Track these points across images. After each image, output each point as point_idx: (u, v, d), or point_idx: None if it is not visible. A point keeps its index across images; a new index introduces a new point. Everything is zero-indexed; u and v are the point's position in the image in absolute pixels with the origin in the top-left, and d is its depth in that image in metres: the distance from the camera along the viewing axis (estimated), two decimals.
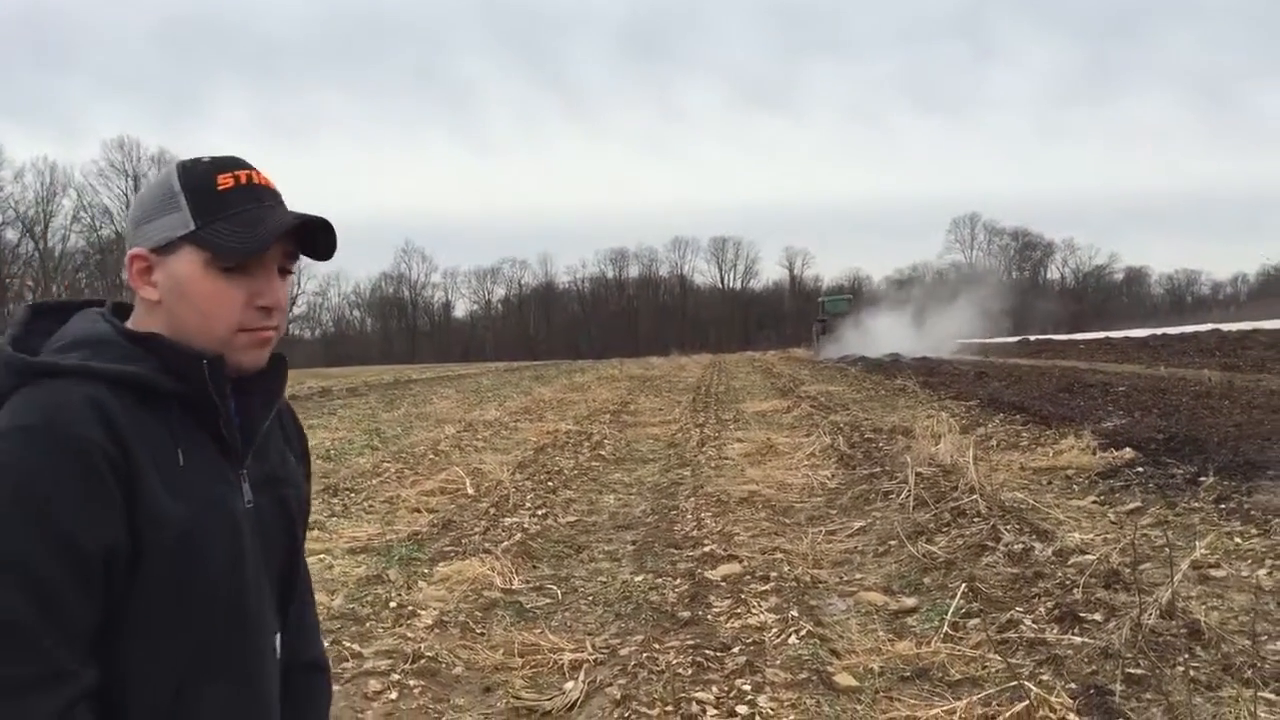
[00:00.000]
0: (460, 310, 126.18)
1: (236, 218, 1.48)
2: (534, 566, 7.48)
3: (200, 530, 1.44)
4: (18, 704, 1.29)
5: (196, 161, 1.53)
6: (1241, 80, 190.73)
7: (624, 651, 5.42)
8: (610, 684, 4.96)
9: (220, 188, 1.49)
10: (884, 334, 50.48)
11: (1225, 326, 48.47)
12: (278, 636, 1.62)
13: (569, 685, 5.02)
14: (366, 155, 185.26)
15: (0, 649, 1.29)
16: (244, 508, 1.53)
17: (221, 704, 1.49)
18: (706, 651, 5.29)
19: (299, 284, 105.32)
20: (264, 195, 1.52)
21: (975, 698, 4.40)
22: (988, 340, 52.13)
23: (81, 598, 1.35)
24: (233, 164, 1.53)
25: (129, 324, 1.54)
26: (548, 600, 6.64)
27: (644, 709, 4.57)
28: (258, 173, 1.54)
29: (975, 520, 7.77)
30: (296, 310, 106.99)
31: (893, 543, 7.68)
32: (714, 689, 4.80)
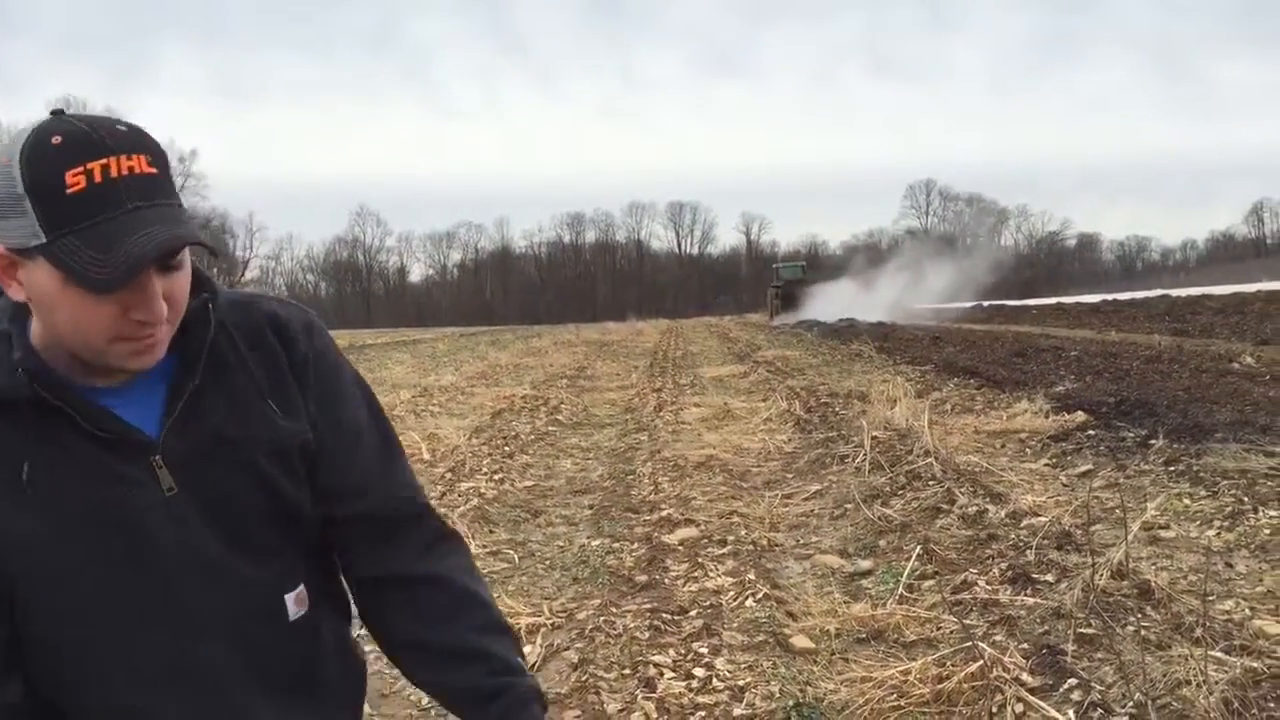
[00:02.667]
0: (415, 274, 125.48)
1: (91, 231, 1.22)
2: (490, 531, 7.44)
3: (73, 542, 1.30)
4: None
5: (44, 149, 1.23)
6: (1193, 50, 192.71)
7: (581, 615, 5.41)
8: (567, 648, 4.96)
9: (69, 189, 1.22)
10: (839, 299, 50.76)
11: (1175, 292, 49.19)
12: (292, 595, 1.47)
13: (526, 649, 5.00)
14: (320, 117, 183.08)
15: None
16: (160, 499, 1.35)
17: (166, 711, 1.39)
18: (664, 615, 5.30)
19: (251, 247, 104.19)
20: (124, 194, 1.24)
21: (930, 658, 4.43)
22: (943, 305, 52.51)
23: None
24: (86, 151, 1.23)
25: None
26: (505, 565, 6.61)
27: (601, 672, 4.57)
28: (118, 159, 1.23)
29: (930, 483, 7.83)
30: (250, 274, 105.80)
31: (849, 506, 7.72)
32: (671, 652, 4.80)
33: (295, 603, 1.48)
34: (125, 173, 1.24)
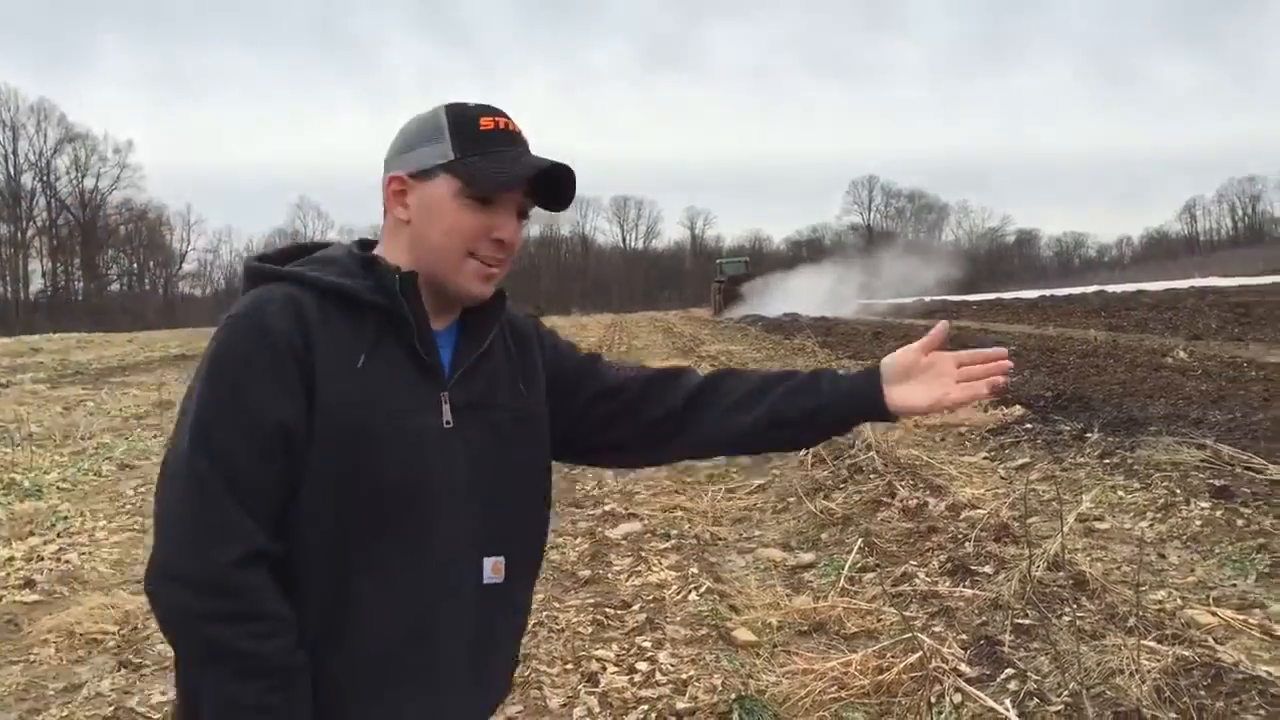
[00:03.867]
0: None
1: (493, 156, 1.63)
2: None
3: (369, 432, 1.56)
4: (203, 547, 1.48)
5: (464, 105, 1.68)
6: (1129, 51, 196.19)
7: None
8: None
9: (482, 128, 1.65)
10: (782, 294, 51.07)
11: (1111, 288, 50.12)
12: (490, 561, 1.68)
13: None
14: (259, 108, 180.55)
15: (192, 503, 1.50)
16: (440, 426, 1.63)
17: (373, 607, 1.58)
18: (607, 609, 5.30)
19: (188, 240, 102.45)
20: (518, 141, 1.67)
21: (870, 650, 4.47)
22: (884, 301, 53.03)
23: (259, 465, 1.52)
24: (495, 111, 1.68)
25: (377, 250, 1.70)
26: None
27: (544, 667, 4.56)
28: (512, 121, 1.69)
29: (872, 477, 7.90)
30: (186, 267, 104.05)
31: (791, 500, 7.77)
32: (614, 646, 4.81)
33: (492, 569, 1.69)
34: (515, 130, 1.69)
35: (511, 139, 1.67)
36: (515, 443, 1.72)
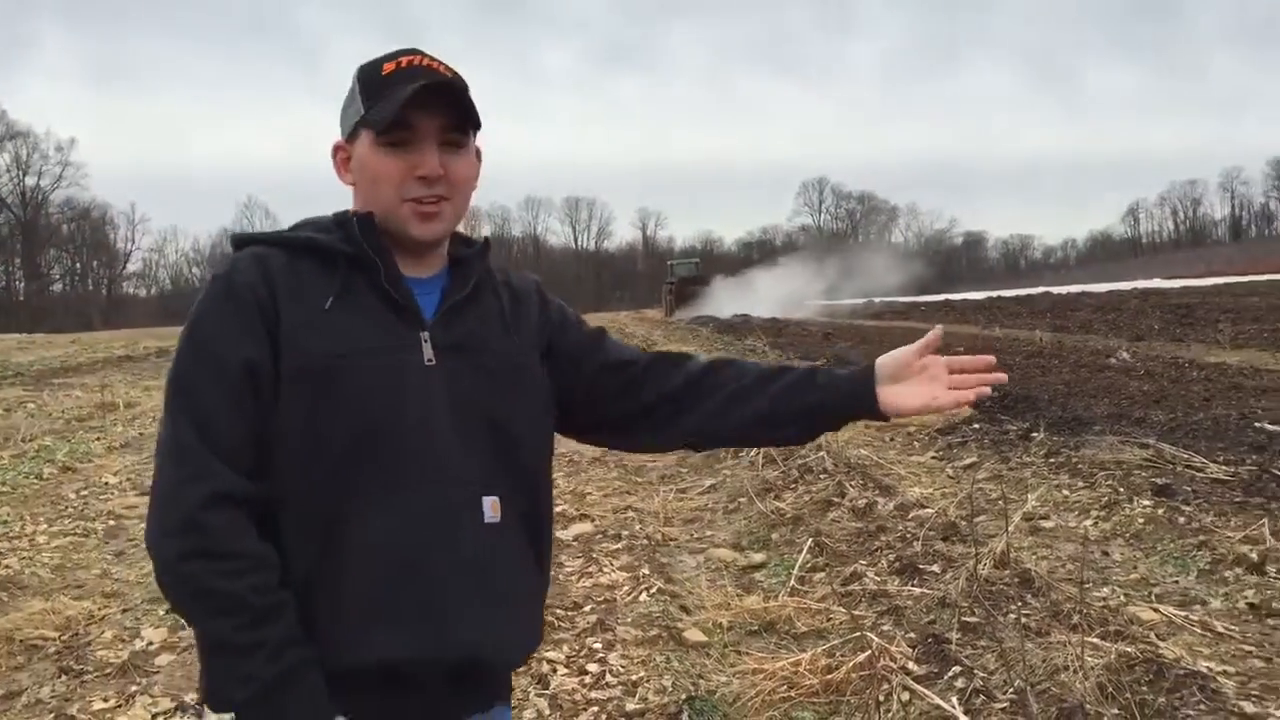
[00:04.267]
0: None
1: (390, 93, 1.65)
2: None
3: (337, 369, 1.61)
4: (177, 492, 1.56)
5: (374, 58, 1.73)
6: (1075, 56, 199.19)
7: None
8: None
9: (384, 73, 1.68)
10: (733, 295, 51.25)
11: (1056, 289, 50.85)
12: (489, 500, 1.69)
13: None
14: (205, 105, 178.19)
15: (171, 456, 1.58)
16: (421, 364, 1.66)
17: (361, 539, 1.60)
18: (558, 611, 5.28)
19: (132, 240, 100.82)
20: (423, 74, 1.66)
21: (820, 649, 4.49)
22: (836, 302, 53.41)
23: (229, 409, 1.58)
24: (401, 53, 1.71)
25: None
26: None
27: None
28: (423, 57, 1.70)
29: (822, 477, 7.95)
30: (131, 268, 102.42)
31: (742, 500, 7.80)
32: (565, 648, 4.79)
33: (491, 507, 1.70)
34: (422, 64, 1.68)
35: (414, 74, 1.67)
36: (507, 388, 1.74)
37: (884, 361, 1.88)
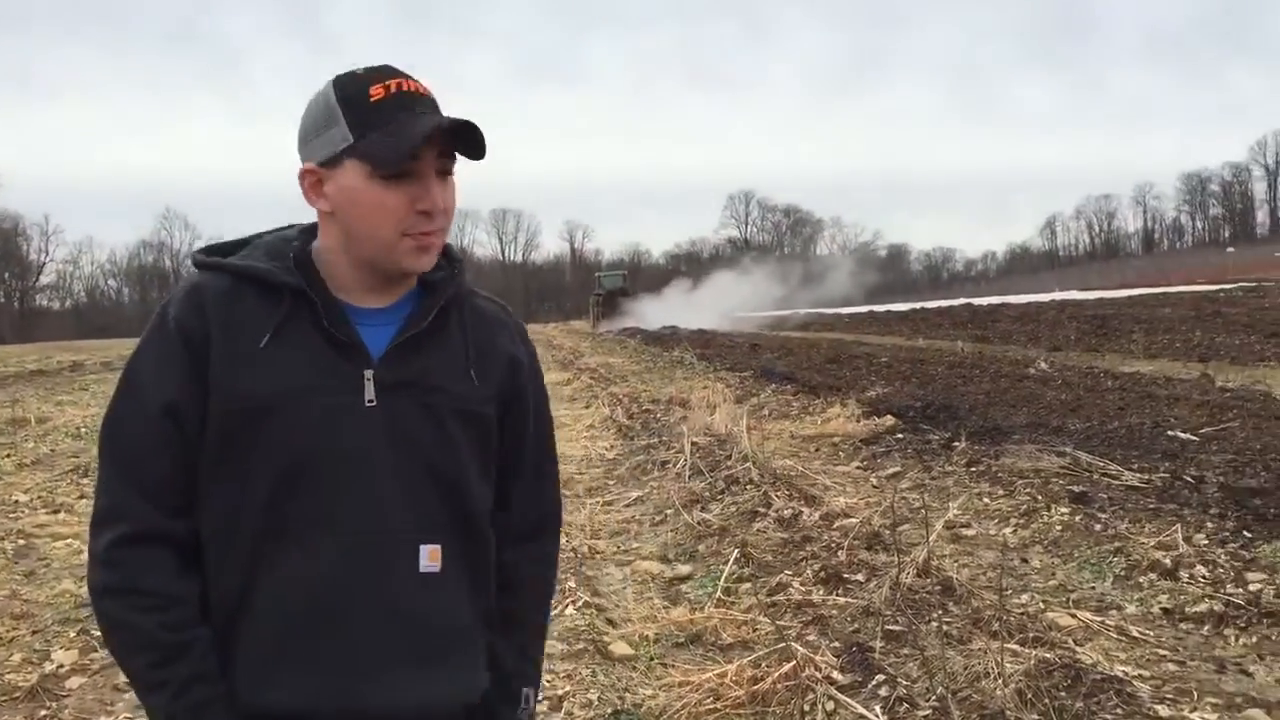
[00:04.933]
0: None
1: (389, 127, 1.54)
2: None
3: (271, 409, 1.55)
4: (99, 528, 1.57)
5: (352, 75, 1.60)
6: (992, 72, 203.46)
7: None
8: None
9: (373, 99, 1.56)
10: (661, 307, 51.44)
11: (977, 301, 51.70)
12: (426, 548, 1.61)
13: None
14: (121, 115, 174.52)
15: (99, 492, 1.59)
16: (360, 405, 1.59)
17: (281, 583, 1.56)
18: None
19: (46, 251, 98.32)
20: (414, 103, 1.58)
21: (746, 660, 4.49)
22: (762, 314, 53.80)
23: (152, 448, 1.56)
24: (384, 74, 1.59)
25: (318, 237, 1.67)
26: None
27: None
28: (408, 80, 1.60)
29: (748, 488, 7.97)
30: (44, 279, 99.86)
31: (669, 512, 7.79)
32: None
33: (429, 556, 1.62)
34: (413, 89, 1.59)
35: (407, 101, 1.58)
36: (455, 432, 1.65)
37: None
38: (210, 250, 1.70)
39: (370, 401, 1.59)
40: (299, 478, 1.56)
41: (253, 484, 1.56)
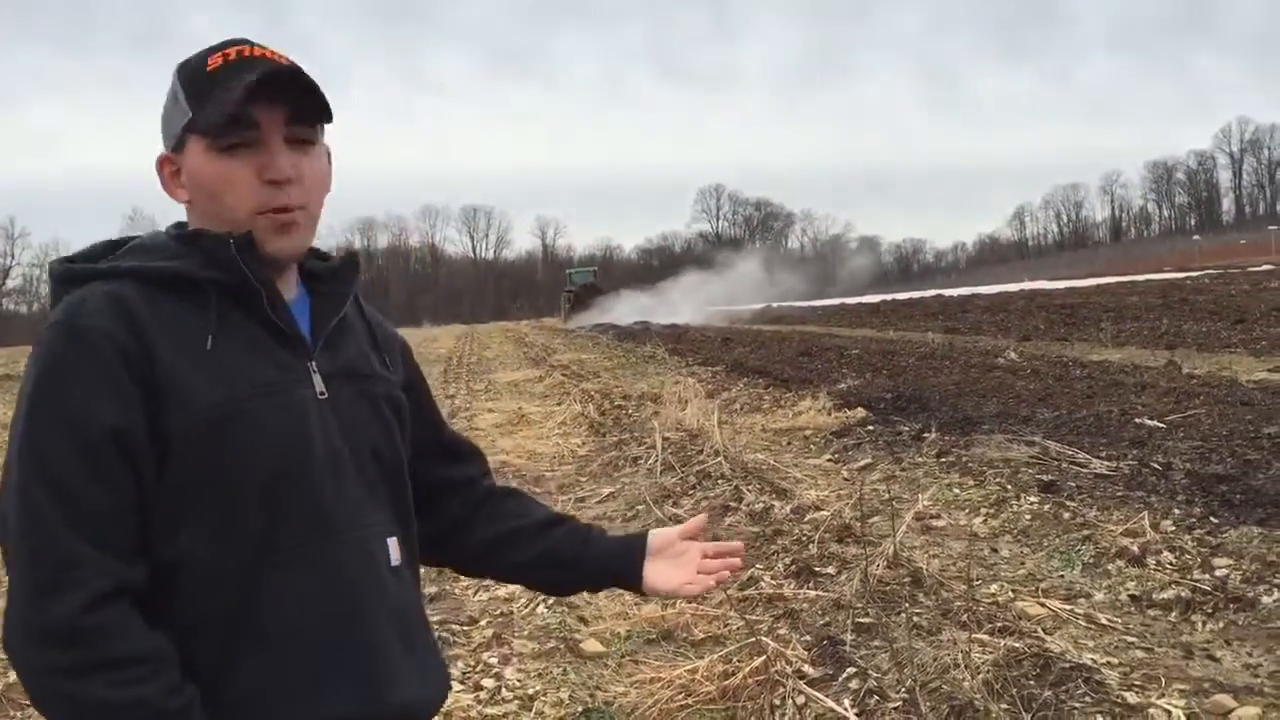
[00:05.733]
0: None
1: (222, 94, 1.43)
2: None
3: (243, 413, 1.42)
4: (47, 592, 1.31)
5: (198, 52, 1.51)
6: (959, 63, 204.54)
7: None
8: None
9: (209, 70, 1.47)
10: (633, 302, 51.48)
11: (948, 292, 52.05)
12: (393, 540, 1.57)
13: None
14: (86, 116, 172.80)
15: (32, 546, 1.33)
16: (314, 397, 1.50)
17: (289, 597, 1.44)
18: (453, 626, 5.20)
19: (12, 255, 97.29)
20: (254, 66, 1.45)
21: (716, 655, 4.49)
22: (733, 308, 53.92)
23: (100, 485, 1.35)
24: (225, 44, 1.49)
25: None
26: None
27: None
28: (252, 46, 1.49)
29: (720, 482, 7.98)
30: (11, 283, 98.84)
31: (641, 507, 7.79)
32: (460, 664, 4.71)
33: (395, 549, 1.57)
34: (257, 55, 1.47)
35: (244, 67, 1.45)
36: (390, 420, 1.61)
37: (653, 536, 1.87)
38: (74, 259, 1.51)
39: (322, 393, 1.51)
40: (282, 484, 1.44)
41: (236, 500, 1.41)
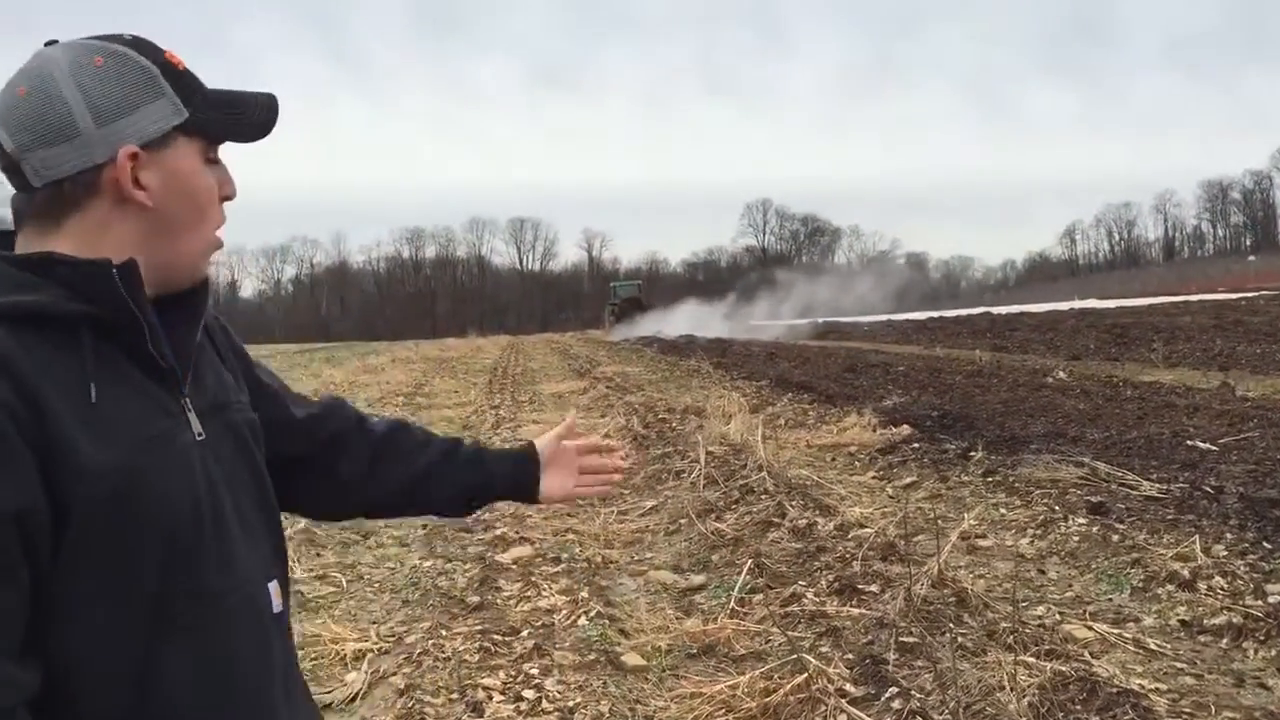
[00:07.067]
0: (248, 290, 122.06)
1: (215, 96, 1.37)
2: (317, 554, 7.21)
3: (140, 475, 1.24)
4: None
5: (138, 41, 1.34)
6: (1008, 80, 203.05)
7: (410, 639, 5.28)
8: (394, 673, 4.82)
9: (178, 67, 1.35)
10: (678, 316, 51.54)
11: (996, 310, 51.56)
12: (273, 585, 1.44)
13: (351, 676, 4.85)
14: None
15: None
16: (194, 441, 1.33)
17: (191, 668, 1.29)
18: (495, 636, 5.21)
19: None
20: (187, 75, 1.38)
21: (758, 672, 4.47)
22: (778, 322, 53.75)
23: (6, 583, 1.14)
24: (141, 39, 1.37)
25: (19, 249, 1.30)
26: (331, 589, 6.41)
27: (428, 697, 4.45)
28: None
29: (763, 497, 7.94)
30: None
31: (683, 521, 7.77)
32: (501, 674, 4.72)
33: (275, 594, 1.45)
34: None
35: (191, 76, 1.38)
36: (255, 449, 1.48)
37: (542, 449, 1.91)
38: None
39: (200, 435, 1.35)
40: (177, 544, 1.27)
41: (130, 579, 1.24)
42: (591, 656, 4.92)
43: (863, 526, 6.81)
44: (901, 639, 4.66)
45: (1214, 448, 8.86)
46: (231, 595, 1.35)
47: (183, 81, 1.34)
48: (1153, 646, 4.69)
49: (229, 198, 1.40)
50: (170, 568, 1.27)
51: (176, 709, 1.28)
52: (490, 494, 1.90)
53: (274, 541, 1.49)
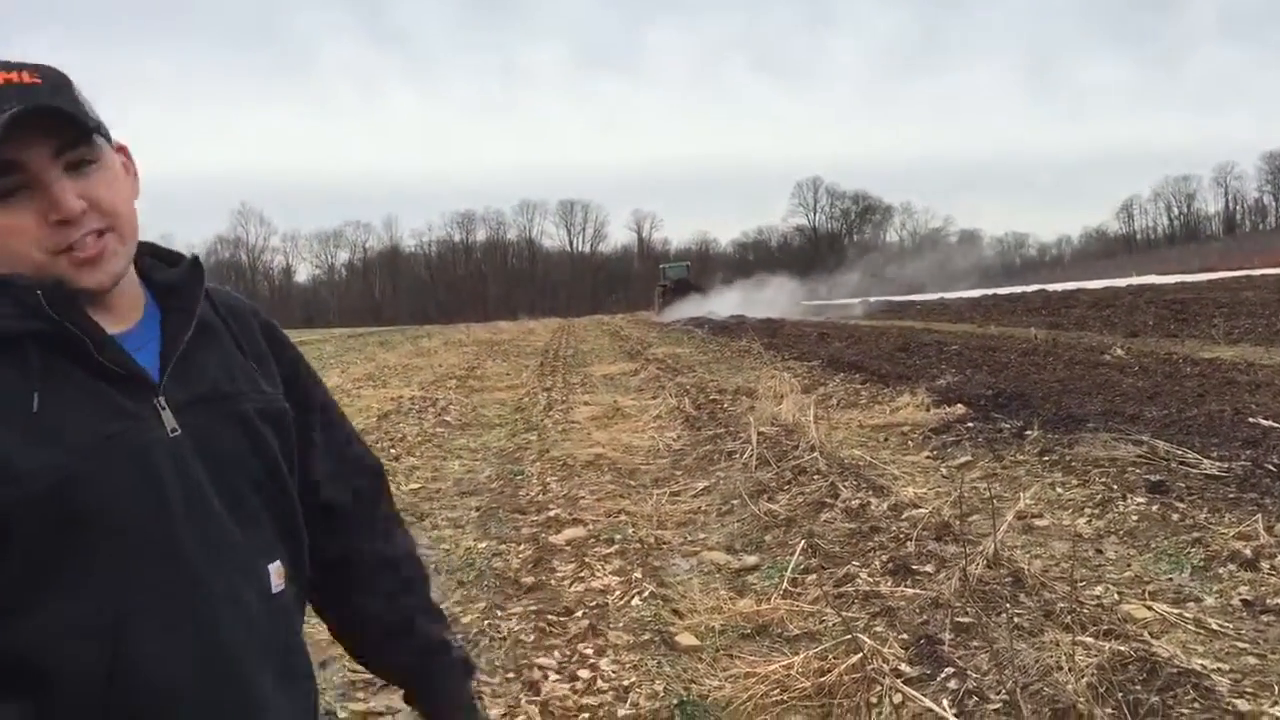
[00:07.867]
0: (302, 274, 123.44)
1: None
2: None
3: (85, 474, 1.28)
4: None
5: None
6: (1062, 51, 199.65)
7: (465, 620, 5.33)
8: None
9: None
10: (729, 297, 51.42)
11: (1051, 287, 50.82)
12: (274, 566, 1.47)
13: None
14: (196, 112, 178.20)
15: None
16: (165, 439, 1.36)
17: (165, 651, 1.32)
18: (549, 617, 5.26)
19: None
20: (3, 100, 1.28)
21: (812, 651, 4.47)
22: (830, 302, 53.44)
23: None
24: None
25: None
26: None
27: (484, 677, 4.50)
28: (7, 73, 1.32)
29: (815, 478, 7.92)
30: None
31: (735, 502, 7.77)
32: (556, 654, 4.77)
33: (276, 575, 1.47)
34: (3, 83, 1.30)
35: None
36: (270, 435, 1.50)
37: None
38: None
39: (174, 431, 1.37)
40: (134, 547, 1.31)
41: (83, 576, 1.28)
42: (645, 636, 4.95)
43: (916, 506, 6.77)
44: (957, 619, 4.64)
45: (1277, 425, 8.68)
46: (214, 578, 1.37)
47: None
48: (1214, 626, 4.62)
49: (64, 221, 1.32)
50: (128, 562, 1.31)
51: (151, 689, 1.31)
52: (407, 679, 1.78)
53: (283, 524, 1.51)
